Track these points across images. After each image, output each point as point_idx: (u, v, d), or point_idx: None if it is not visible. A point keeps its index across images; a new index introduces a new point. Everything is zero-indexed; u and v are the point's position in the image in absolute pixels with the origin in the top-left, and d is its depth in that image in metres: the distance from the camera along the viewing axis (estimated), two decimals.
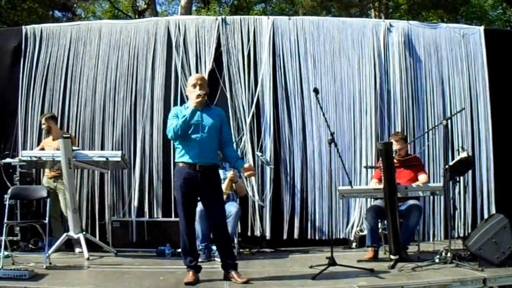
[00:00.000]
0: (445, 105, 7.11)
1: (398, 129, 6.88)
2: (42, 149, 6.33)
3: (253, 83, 6.89)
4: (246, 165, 4.55)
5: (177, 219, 6.41)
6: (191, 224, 4.48)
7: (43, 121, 6.41)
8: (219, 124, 4.52)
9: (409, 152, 6.05)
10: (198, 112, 4.43)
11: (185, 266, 4.49)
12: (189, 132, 4.39)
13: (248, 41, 6.99)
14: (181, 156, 4.45)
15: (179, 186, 4.41)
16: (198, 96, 4.39)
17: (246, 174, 4.59)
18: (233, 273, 4.39)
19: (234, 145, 4.80)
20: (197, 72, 6.86)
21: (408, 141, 6.69)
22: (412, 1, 17.87)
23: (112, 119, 6.88)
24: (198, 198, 4.54)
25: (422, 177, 5.65)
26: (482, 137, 7.09)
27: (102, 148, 6.76)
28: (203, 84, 4.50)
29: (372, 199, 6.01)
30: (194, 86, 4.49)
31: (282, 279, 4.51)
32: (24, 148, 6.65)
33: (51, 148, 6.12)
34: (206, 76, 4.67)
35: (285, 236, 6.77)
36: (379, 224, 5.64)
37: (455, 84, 7.17)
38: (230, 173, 5.85)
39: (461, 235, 6.57)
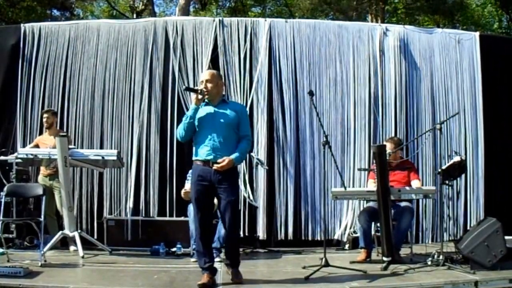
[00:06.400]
0: (439, 110, 7.14)
1: (392, 132, 6.93)
2: (36, 146, 6.33)
3: (248, 85, 6.92)
4: (220, 159, 4.26)
5: (172, 218, 6.55)
6: (204, 224, 4.36)
7: (47, 114, 6.37)
8: (235, 120, 4.40)
9: (401, 156, 6.09)
10: (212, 108, 4.39)
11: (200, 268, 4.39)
12: (201, 129, 4.35)
13: (245, 42, 7.02)
14: (195, 154, 4.40)
15: (193, 184, 4.36)
16: (195, 93, 4.38)
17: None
18: (231, 271, 4.41)
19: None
20: (194, 72, 6.92)
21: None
22: (408, 6, 17.92)
23: (110, 118, 6.89)
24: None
25: (415, 183, 5.66)
26: (474, 141, 7.13)
27: (101, 147, 6.78)
28: (209, 80, 4.38)
29: (365, 201, 6.06)
30: (201, 83, 4.44)
31: (275, 280, 4.53)
32: (23, 146, 6.63)
33: (47, 146, 6.13)
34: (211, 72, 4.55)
35: (278, 237, 6.79)
36: (372, 226, 5.68)
37: (449, 89, 7.20)
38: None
39: (454, 237, 6.61)
